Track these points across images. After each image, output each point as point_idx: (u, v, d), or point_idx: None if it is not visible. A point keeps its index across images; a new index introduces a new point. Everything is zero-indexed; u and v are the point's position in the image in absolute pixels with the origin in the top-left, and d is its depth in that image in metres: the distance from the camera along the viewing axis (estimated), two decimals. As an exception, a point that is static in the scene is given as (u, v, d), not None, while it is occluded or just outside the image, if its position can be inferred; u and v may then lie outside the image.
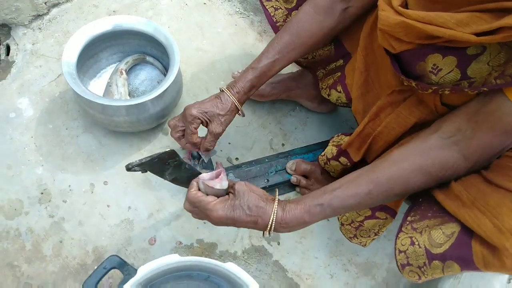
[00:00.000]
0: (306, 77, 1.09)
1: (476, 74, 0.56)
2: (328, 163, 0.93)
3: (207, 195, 0.69)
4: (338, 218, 0.90)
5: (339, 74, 0.93)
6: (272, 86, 1.09)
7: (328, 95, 0.97)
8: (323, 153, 0.95)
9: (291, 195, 1.06)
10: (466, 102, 0.62)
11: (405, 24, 0.58)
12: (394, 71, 0.68)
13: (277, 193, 0.70)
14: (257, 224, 0.66)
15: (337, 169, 0.92)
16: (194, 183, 0.70)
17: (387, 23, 0.62)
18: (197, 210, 0.69)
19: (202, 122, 0.83)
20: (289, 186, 1.05)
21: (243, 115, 0.88)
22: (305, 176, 1.03)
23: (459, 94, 0.61)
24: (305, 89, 1.09)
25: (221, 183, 0.69)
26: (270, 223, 0.65)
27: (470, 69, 0.57)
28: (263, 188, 1.02)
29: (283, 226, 0.66)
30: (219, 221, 0.67)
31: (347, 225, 0.87)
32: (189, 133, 0.84)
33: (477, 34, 0.52)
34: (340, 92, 0.93)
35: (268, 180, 1.03)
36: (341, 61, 0.94)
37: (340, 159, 0.89)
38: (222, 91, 0.84)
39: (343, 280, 1.00)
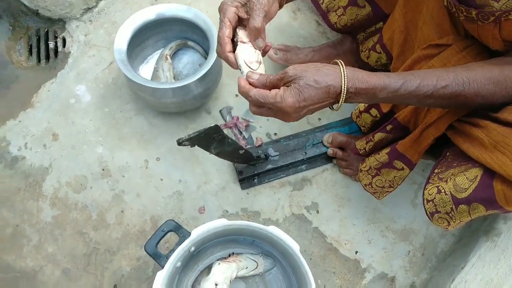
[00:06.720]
0: (345, 44, 1.11)
1: None
2: (360, 116, 0.97)
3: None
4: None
5: (378, 35, 0.95)
6: (312, 54, 1.12)
7: (368, 57, 0.99)
8: (356, 108, 0.99)
9: (328, 166, 1.11)
10: None
11: None
12: (452, 5, 0.66)
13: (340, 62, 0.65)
14: (330, 92, 0.62)
15: (367, 122, 0.97)
16: (242, 79, 0.66)
17: None
18: (265, 109, 0.65)
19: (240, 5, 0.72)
20: (326, 158, 1.10)
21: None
22: (341, 148, 1.07)
23: None
24: (344, 56, 1.11)
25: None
26: (342, 83, 0.62)
27: None
28: (301, 160, 1.09)
29: (355, 89, 0.62)
30: (292, 111, 0.62)
31: (365, 171, 0.91)
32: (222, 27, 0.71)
33: None
34: (380, 53, 0.95)
35: (305, 153, 1.08)
36: (381, 23, 0.96)
37: (370, 111, 0.93)
38: None
39: (381, 246, 1.05)
